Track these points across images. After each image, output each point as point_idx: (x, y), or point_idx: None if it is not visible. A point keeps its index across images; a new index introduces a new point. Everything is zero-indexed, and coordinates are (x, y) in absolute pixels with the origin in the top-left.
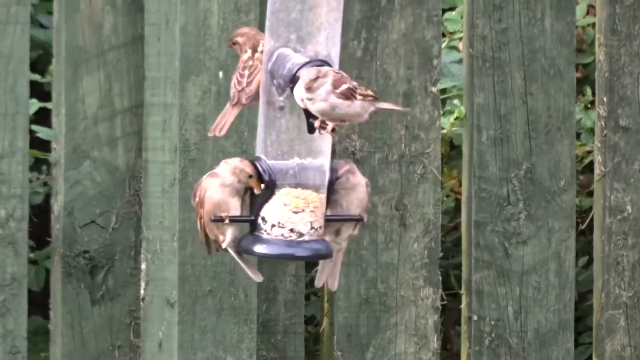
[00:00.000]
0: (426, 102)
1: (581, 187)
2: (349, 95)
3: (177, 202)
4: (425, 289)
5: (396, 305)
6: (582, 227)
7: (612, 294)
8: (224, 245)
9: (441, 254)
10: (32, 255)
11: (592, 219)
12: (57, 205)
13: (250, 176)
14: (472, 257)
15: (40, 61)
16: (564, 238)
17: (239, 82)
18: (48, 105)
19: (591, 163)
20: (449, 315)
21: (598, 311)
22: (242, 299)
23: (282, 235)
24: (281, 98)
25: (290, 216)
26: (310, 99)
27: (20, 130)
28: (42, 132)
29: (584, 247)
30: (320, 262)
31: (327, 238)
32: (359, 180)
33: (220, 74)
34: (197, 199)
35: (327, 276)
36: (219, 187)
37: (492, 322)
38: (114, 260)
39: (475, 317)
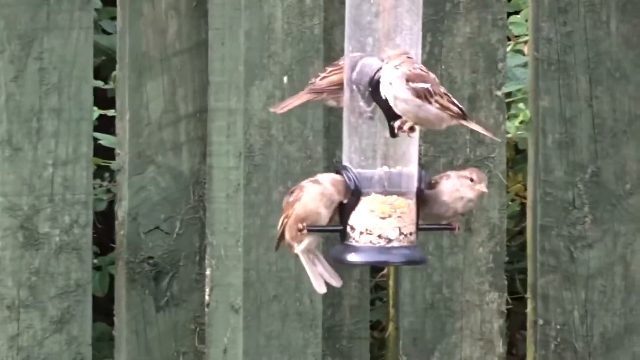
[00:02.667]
0: (491, 106)
1: None
2: (422, 95)
3: (241, 208)
4: (491, 293)
5: (461, 309)
6: None
7: None
8: (295, 251)
9: (506, 259)
10: (96, 261)
11: None
12: (121, 211)
13: (348, 188)
14: (538, 262)
15: (103, 67)
16: (630, 242)
17: (316, 77)
18: (108, 112)
19: None
20: (515, 320)
21: None
22: (307, 304)
23: (371, 242)
24: (369, 109)
25: (378, 222)
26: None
27: (84, 137)
28: (104, 139)
29: None
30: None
31: None
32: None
33: (285, 78)
34: (292, 199)
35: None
36: (318, 195)
37: (558, 327)
38: (178, 266)
39: (541, 322)
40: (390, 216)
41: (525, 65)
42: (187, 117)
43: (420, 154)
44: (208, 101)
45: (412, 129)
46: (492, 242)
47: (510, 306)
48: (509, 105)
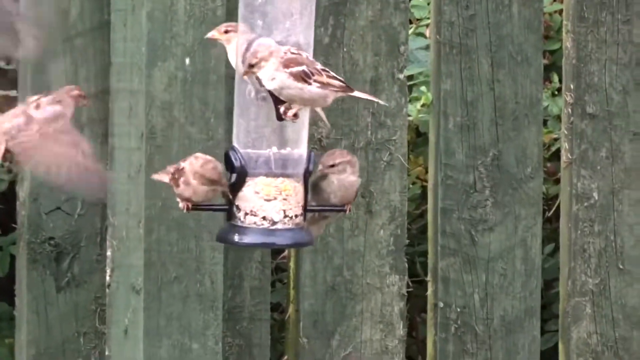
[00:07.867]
0: (393, 89)
1: (548, 174)
2: (300, 78)
3: (143, 189)
4: (391, 276)
5: (362, 292)
6: (549, 214)
7: (578, 282)
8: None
9: (407, 241)
10: None
11: (558, 206)
12: (22, 192)
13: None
14: (439, 244)
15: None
16: (531, 225)
17: None
18: (10, 93)
19: (558, 150)
20: (415, 303)
21: (564, 298)
22: (208, 285)
23: (255, 223)
24: (262, 88)
25: (262, 204)
26: (257, 78)
27: None
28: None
29: (550, 235)
30: None
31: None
32: (355, 179)
33: (187, 60)
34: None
35: None
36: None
37: (458, 309)
38: (79, 247)
39: (441, 305)
40: (275, 199)
41: (427, 48)
42: (89, 98)
43: (321, 136)
44: (110, 82)
45: (295, 115)
46: (392, 224)
47: (410, 289)
48: (410, 88)
